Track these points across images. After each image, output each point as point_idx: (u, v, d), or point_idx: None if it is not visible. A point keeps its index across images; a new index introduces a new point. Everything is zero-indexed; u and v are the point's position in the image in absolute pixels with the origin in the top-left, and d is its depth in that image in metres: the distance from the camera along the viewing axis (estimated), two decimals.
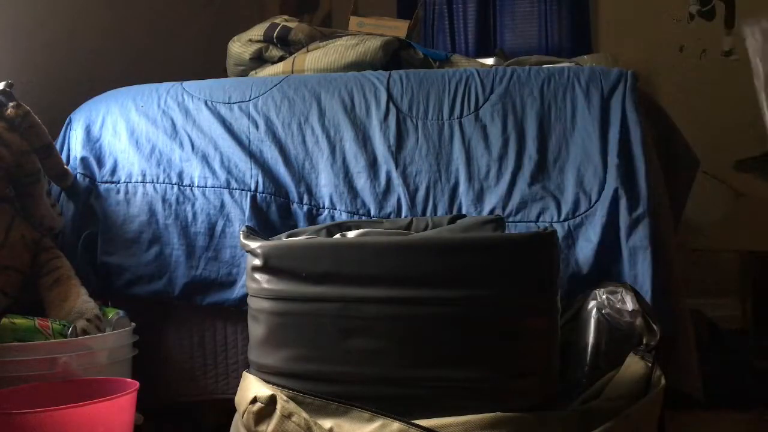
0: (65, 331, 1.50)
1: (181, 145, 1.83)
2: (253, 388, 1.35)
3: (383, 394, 1.28)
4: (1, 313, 1.52)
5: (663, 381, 1.31)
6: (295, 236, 1.50)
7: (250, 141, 1.81)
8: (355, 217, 1.71)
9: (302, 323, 1.33)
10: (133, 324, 1.64)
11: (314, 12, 3.76)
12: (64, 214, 1.83)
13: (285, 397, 1.30)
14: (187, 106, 1.88)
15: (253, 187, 1.77)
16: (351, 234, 1.47)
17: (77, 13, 2.32)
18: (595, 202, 1.63)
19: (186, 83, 1.94)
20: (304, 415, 1.28)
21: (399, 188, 1.72)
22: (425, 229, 1.56)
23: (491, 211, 1.66)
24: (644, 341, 1.36)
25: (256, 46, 2.26)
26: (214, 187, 1.78)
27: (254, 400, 1.32)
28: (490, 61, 2.33)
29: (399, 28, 2.29)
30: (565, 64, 2.02)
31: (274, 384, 1.34)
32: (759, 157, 3.05)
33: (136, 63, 2.54)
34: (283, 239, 1.47)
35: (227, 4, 3.30)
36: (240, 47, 2.28)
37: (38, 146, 1.74)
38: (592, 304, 1.42)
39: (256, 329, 1.40)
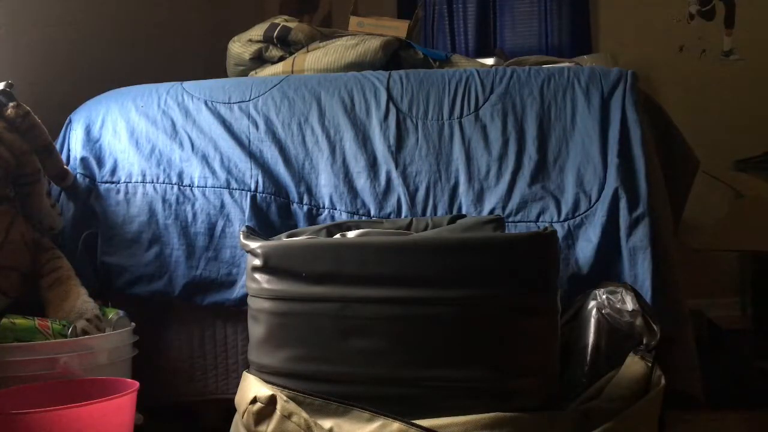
0: (65, 331, 1.50)
1: (181, 145, 1.83)
2: (253, 388, 1.35)
3: (383, 394, 1.28)
4: (1, 313, 1.52)
5: (663, 381, 1.31)
6: (295, 236, 1.50)
7: (250, 141, 1.81)
8: (355, 217, 1.71)
9: (302, 323, 1.33)
10: (133, 324, 1.64)
11: (314, 12, 3.76)
12: (64, 214, 1.83)
13: (285, 397, 1.30)
14: (187, 106, 1.88)
15: (253, 187, 1.77)
16: (351, 234, 1.47)
17: (77, 14, 2.32)
18: (595, 202, 1.63)
19: (186, 83, 1.94)
20: (304, 415, 1.28)
21: (399, 188, 1.72)
22: (425, 229, 1.56)
23: (491, 211, 1.66)
24: (644, 341, 1.36)
25: (256, 46, 2.26)
26: (214, 187, 1.78)
27: (254, 400, 1.32)
28: (490, 61, 2.33)
29: (399, 28, 2.29)
30: (565, 64, 2.02)
31: (274, 384, 1.34)
32: (759, 157, 3.05)
33: (137, 63, 2.54)
34: (283, 239, 1.47)
35: (227, 4, 3.30)
36: (240, 47, 2.28)
37: (38, 146, 1.74)
38: (592, 304, 1.42)
39: (256, 329, 1.40)
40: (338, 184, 1.74)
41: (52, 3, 2.20)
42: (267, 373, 1.37)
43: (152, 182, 1.82)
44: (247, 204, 1.75)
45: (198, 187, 1.79)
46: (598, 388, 1.32)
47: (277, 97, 1.84)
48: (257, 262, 1.37)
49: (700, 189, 2.21)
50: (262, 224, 1.72)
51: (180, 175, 1.81)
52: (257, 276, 1.38)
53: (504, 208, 1.66)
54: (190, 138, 1.84)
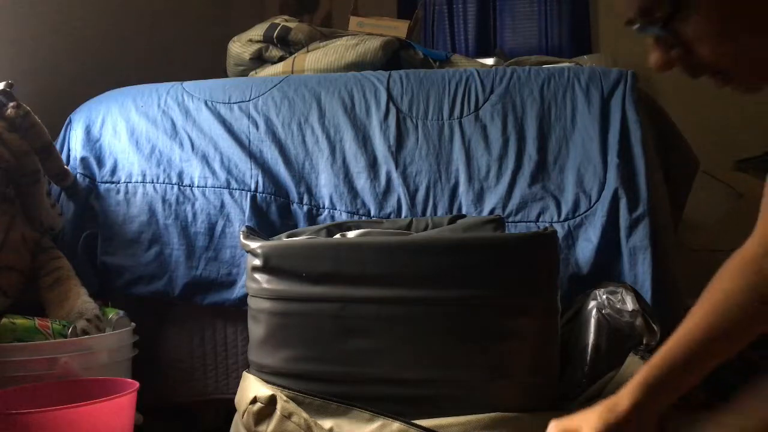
0: (65, 331, 1.50)
1: (181, 145, 1.83)
2: (253, 388, 1.35)
3: (383, 394, 1.28)
4: (1, 313, 1.52)
5: None
6: (295, 236, 1.50)
7: (250, 141, 1.81)
8: (355, 217, 1.71)
9: (302, 323, 1.33)
10: (133, 324, 1.64)
11: (314, 12, 3.76)
12: (64, 214, 1.83)
13: (285, 397, 1.30)
14: (187, 106, 1.88)
15: (253, 187, 1.77)
16: (351, 234, 1.47)
17: (77, 14, 2.32)
18: (595, 202, 1.63)
19: (186, 83, 1.94)
20: (304, 415, 1.28)
21: (399, 188, 1.72)
22: (425, 229, 1.55)
23: (491, 211, 1.66)
24: (644, 341, 1.36)
25: (256, 46, 2.26)
26: (214, 187, 1.78)
27: (254, 400, 1.32)
28: (490, 61, 2.33)
29: (399, 28, 2.29)
30: (565, 64, 2.02)
31: (274, 384, 1.34)
32: (759, 157, 3.05)
33: (136, 63, 2.54)
34: (283, 239, 1.47)
35: (227, 4, 3.30)
36: (240, 47, 2.28)
37: (38, 146, 1.74)
38: (592, 304, 1.42)
39: (256, 329, 1.40)
40: (338, 184, 1.74)
41: (51, 3, 2.20)
42: (267, 373, 1.37)
43: (152, 182, 1.82)
44: (247, 204, 1.75)
45: (198, 187, 1.79)
46: (598, 388, 1.32)
47: (277, 97, 1.84)
48: (257, 262, 1.37)
49: (700, 189, 2.20)
50: (262, 224, 1.72)
51: (180, 175, 1.81)
52: (257, 276, 1.38)
53: (504, 208, 1.66)
54: (190, 138, 1.84)
